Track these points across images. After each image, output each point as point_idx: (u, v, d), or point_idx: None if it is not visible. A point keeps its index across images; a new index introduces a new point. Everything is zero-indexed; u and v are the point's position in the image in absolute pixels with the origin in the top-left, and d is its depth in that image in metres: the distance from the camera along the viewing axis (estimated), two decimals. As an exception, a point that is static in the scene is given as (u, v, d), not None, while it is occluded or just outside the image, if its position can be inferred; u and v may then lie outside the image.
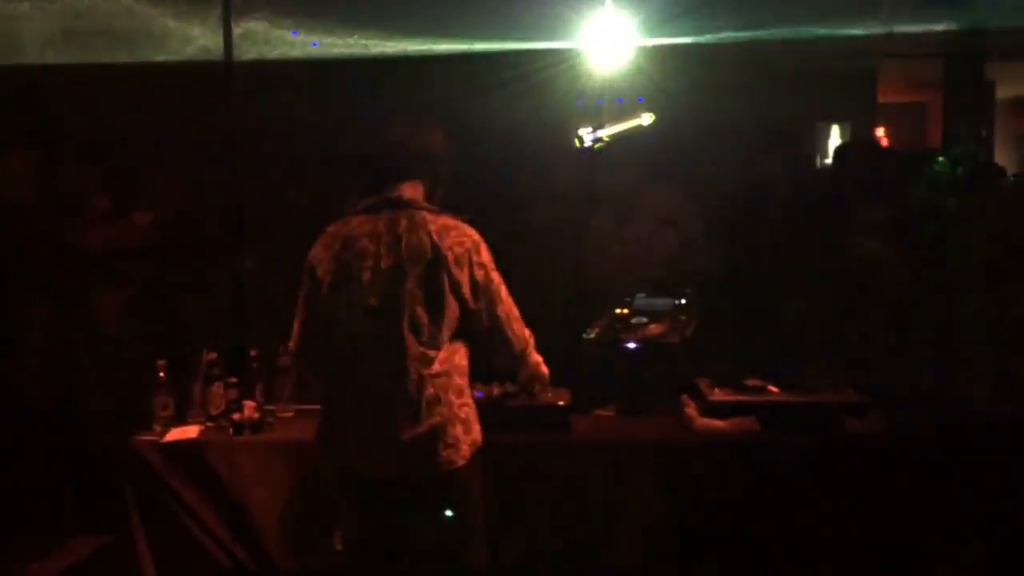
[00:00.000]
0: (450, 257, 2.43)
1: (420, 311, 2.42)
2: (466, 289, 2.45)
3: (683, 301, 3.45)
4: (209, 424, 3.26)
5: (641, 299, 3.66)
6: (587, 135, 4.31)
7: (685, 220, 4.10)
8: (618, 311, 3.57)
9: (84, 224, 3.59)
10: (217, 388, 3.29)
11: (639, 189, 4.21)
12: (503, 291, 2.53)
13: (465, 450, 2.47)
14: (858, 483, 3.01)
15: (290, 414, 3.41)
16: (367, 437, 2.45)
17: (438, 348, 2.45)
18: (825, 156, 7.10)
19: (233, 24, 3.72)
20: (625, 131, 4.43)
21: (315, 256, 2.51)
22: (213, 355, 3.32)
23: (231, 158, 3.70)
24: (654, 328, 3.47)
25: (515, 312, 2.57)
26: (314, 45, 4.73)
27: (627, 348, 3.42)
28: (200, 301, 4.07)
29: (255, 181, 3.95)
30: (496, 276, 2.52)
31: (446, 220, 2.51)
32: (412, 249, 2.43)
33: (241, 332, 3.53)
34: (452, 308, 2.45)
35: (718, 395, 3.23)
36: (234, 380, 3.30)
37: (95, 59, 4.58)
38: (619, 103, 5.57)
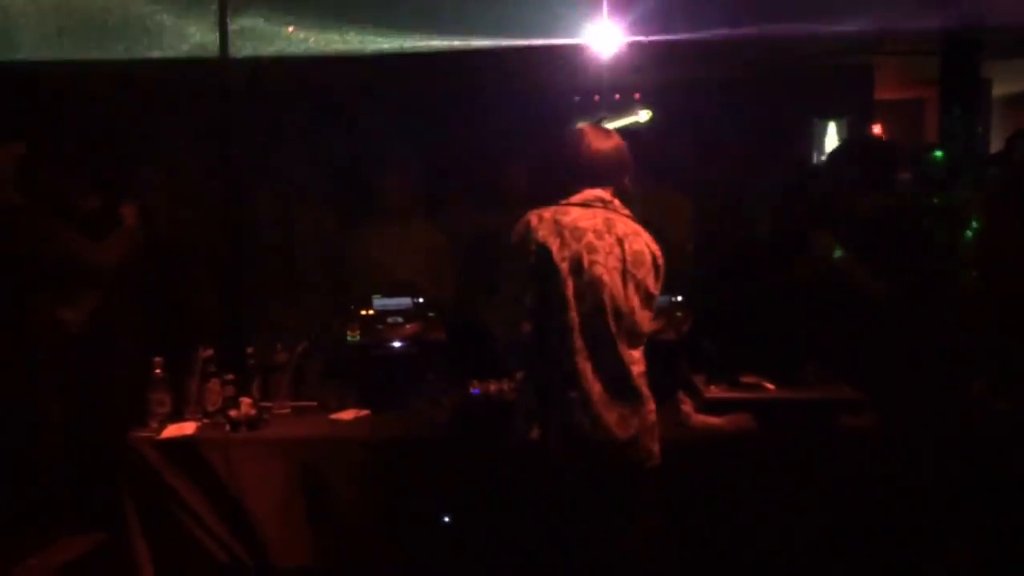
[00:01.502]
0: (662, 268, 2.59)
1: (638, 313, 2.53)
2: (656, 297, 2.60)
3: (679, 298, 3.45)
4: (206, 420, 3.25)
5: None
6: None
7: (671, 228, 4.07)
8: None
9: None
10: (213, 385, 3.29)
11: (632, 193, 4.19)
12: None
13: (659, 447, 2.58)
14: (853, 479, 3.02)
15: (286, 411, 3.41)
16: (593, 431, 2.47)
17: (641, 350, 2.57)
18: (822, 153, 7.13)
19: (229, 21, 3.72)
20: (622, 127, 4.43)
21: (545, 239, 2.50)
22: (209, 352, 3.33)
23: (226, 155, 3.70)
24: (650, 325, 3.47)
25: None
26: (311, 41, 4.72)
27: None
28: (196, 298, 4.07)
29: (250, 178, 3.96)
30: None
31: (645, 231, 2.62)
32: (636, 255, 2.54)
33: (237, 329, 3.54)
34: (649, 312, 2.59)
35: (714, 392, 3.24)
36: (230, 377, 3.30)
37: (90, 56, 4.58)
38: (616, 99, 5.59)
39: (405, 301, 3.58)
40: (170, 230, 4.13)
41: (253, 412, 3.22)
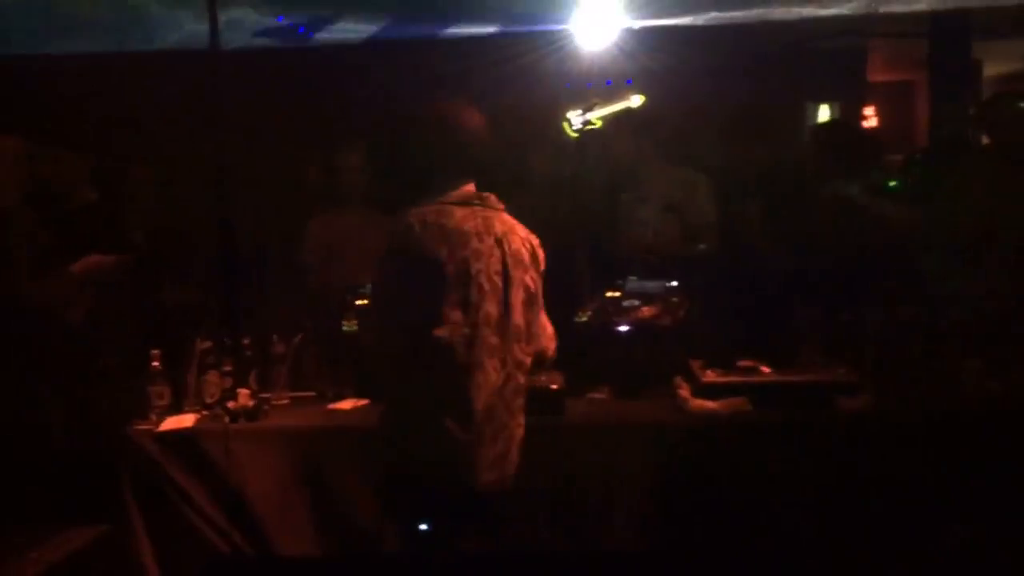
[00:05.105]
0: (540, 261, 2.50)
1: (522, 317, 2.44)
2: (540, 293, 2.51)
3: (675, 283, 3.47)
4: (204, 412, 3.26)
5: (633, 282, 3.68)
6: (576, 118, 4.32)
7: (691, 207, 4.09)
8: (610, 294, 3.59)
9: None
10: (212, 376, 3.29)
11: (647, 173, 4.20)
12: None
13: None
14: (850, 461, 3.04)
15: (285, 401, 3.42)
16: (485, 447, 2.37)
17: (530, 353, 2.49)
18: (813, 136, 7.13)
19: (219, 11, 3.70)
20: (614, 113, 4.44)
21: (434, 248, 2.32)
22: (207, 343, 3.33)
23: (218, 144, 3.68)
24: (646, 310, 3.49)
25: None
26: (300, 31, 4.70)
27: (620, 331, 3.44)
28: (192, 290, 4.07)
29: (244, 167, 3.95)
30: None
31: (520, 223, 2.53)
32: (515, 254, 2.43)
33: (235, 320, 3.54)
34: (537, 311, 2.51)
35: (711, 376, 3.25)
36: (228, 368, 3.31)
37: (79, 48, 4.55)
38: (607, 85, 5.57)
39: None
40: (161, 222, 4.12)
41: (252, 403, 3.23)
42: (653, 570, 2.67)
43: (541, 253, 2.52)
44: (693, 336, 3.47)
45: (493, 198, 2.49)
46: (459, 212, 2.39)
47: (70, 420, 3.49)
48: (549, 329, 2.60)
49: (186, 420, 3.21)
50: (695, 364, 3.34)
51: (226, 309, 3.63)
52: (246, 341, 3.43)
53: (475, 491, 2.38)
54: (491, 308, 2.37)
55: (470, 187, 2.47)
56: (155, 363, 3.25)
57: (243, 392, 3.25)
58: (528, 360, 2.49)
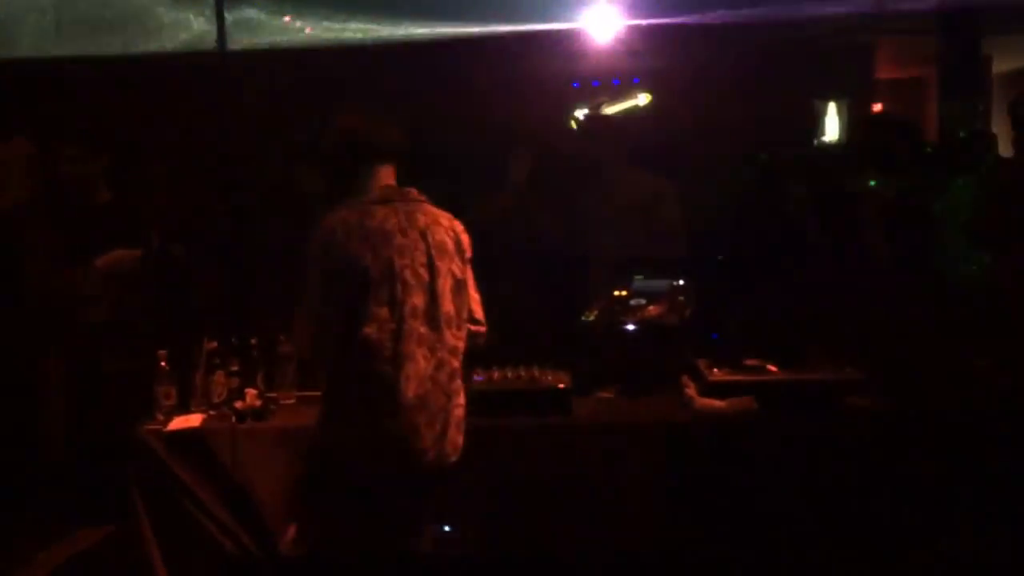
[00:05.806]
0: (464, 247, 2.58)
1: (451, 304, 2.51)
2: (471, 277, 2.59)
3: (681, 282, 3.46)
4: (212, 412, 3.26)
5: (639, 280, 3.67)
6: (583, 116, 4.32)
7: (655, 208, 4.06)
8: (617, 293, 3.59)
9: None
10: (219, 376, 3.29)
11: (617, 172, 4.18)
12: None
13: None
14: (857, 460, 3.03)
15: (292, 401, 3.42)
16: (421, 431, 2.44)
17: (462, 338, 2.55)
18: (822, 133, 7.11)
19: (226, 12, 3.72)
20: (621, 111, 4.44)
21: (356, 251, 2.41)
22: (214, 344, 3.33)
23: (227, 144, 3.70)
24: (653, 309, 3.49)
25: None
26: (308, 31, 4.72)
27: (627, 330, 3.44)
28: (200, 289, 4.07)
29: (252, 168, 3.97)
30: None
31: (444, 212, 2.59)
32: (439, 245, 2.50)
33: (241, 320, 3.55)
34: (466, 296, 2.58)
35: (717, 375, 3.25)
36: (235, 368, 3.31)
37: (88, 51, 4.57)
38: (615, 84, 5.58)
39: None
40: (172, 222, 4.13)
41: (259, 403, 3.23)
42: (660, 569, 2.67)
43: (466, 239, 2.61)
44: (700, 334, 3.47)
45: (414, 191, 2.57)
46: (381, 211, 2.48)
47: (80, 421, 3.51)
48: (479, 311, 2.67)
49: (193, 420, 3.22)
50: (702, 363, 3.33)
51: (233, 309, 3.64)
52: (253, 341, 3.43)
53: (414, 473, 2.47)
54: (417, 300, 2.45)
55: (389, 183, 2.56)
56: (162, 363, 3.26)
57: (250, 392, 3.26)
58: (462, 344, 2.56)
